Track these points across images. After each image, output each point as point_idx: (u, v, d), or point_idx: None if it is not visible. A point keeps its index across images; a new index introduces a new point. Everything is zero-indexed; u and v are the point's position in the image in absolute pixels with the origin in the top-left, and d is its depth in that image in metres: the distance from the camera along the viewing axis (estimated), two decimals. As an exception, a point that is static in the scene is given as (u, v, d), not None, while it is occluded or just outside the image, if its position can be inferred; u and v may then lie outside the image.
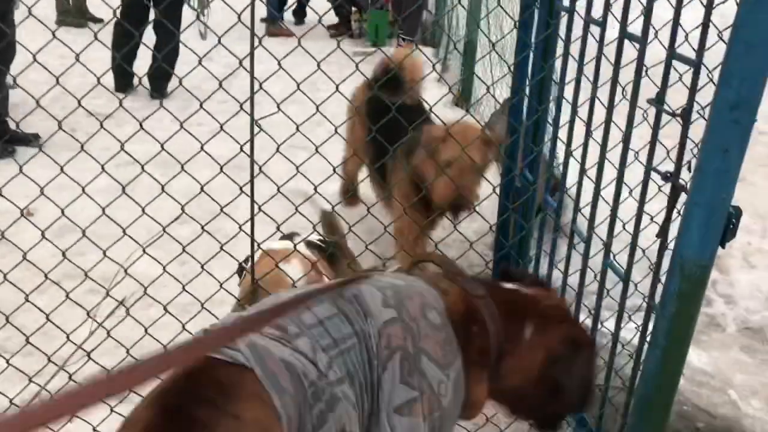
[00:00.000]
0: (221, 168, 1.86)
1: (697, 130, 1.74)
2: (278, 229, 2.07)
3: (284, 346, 1.32)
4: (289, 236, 2.44)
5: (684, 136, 1.87)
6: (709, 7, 1.74)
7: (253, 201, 1.85)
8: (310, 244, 2.45)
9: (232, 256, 2.04)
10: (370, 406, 1.40)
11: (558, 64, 2.50)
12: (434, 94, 4.25)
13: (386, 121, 2.31)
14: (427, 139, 3.04)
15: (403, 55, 3.70)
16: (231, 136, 1.83)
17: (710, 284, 3.52)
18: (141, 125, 1.77)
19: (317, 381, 1.30)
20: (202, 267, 2.00)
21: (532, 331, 1.62)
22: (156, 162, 2.07)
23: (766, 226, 4.13)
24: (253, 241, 1.94)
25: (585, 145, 2.22)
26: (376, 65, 3.68)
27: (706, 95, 1.74)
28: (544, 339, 1.63)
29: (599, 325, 2.34)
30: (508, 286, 1.73)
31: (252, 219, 1.87)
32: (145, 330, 2.04)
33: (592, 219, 2.19)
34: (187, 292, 2.04)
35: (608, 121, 2.08)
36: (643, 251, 2.23)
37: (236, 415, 1.18)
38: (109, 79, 5.58)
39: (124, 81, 5.72)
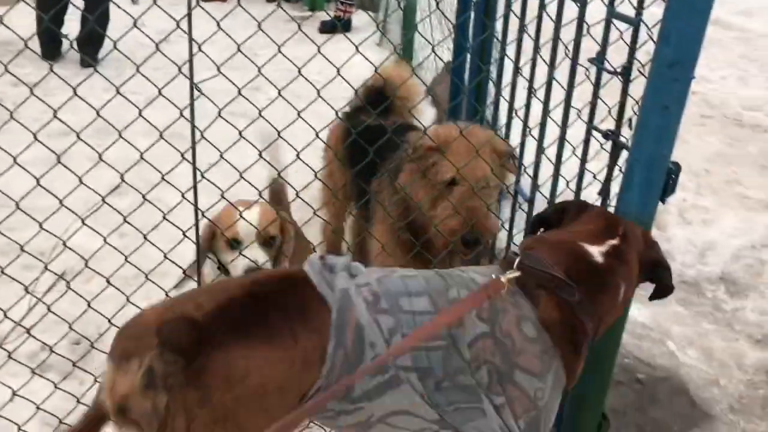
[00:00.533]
0: (161, 134, 1.80)
1: (638, 88, 1.77)
2: (222, 196, 2.03)
3: (369, 312, 1.45)
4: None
5: (624, 94, 1.90)
6: (647, -34, 1.75)
7: (195, 168, 1.80)
8: None
9: (175, 225, 1.99)
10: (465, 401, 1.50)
11: (499, 24, 2.50)
12: (374, 59, 4.18)
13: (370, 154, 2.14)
14: (416, 148, 2.36)
15: (394, 71, 2.94)
16: (171, 102, 1.77)
17: (648, 240, 3.64)
18: (75, 92, 1.69)
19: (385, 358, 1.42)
20: (145, 237, 1.95)
21: (624, 289, 1.67)
22: (91, 131, 1.99)
23: (699, 183, 4.27)
24: (196, 209, 1.89)
25: (527, 105, 2.23)
26: (361, 88, 2.90)
27: (646, 53, 1.76)
28: (630, 281, 1.69)
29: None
30: (575, 243, 1.68)
31: (195, 186, 1.82)
32: (88, 304, 1.98)
33: (535, 178, 2.21)
34: (129, 263, 1.99)
35: (550, 80, 2.09)
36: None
37: (295, 335, 1.37)
38: (35, 47, 5.34)
39: (52, 47, 5.47)
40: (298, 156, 1.91)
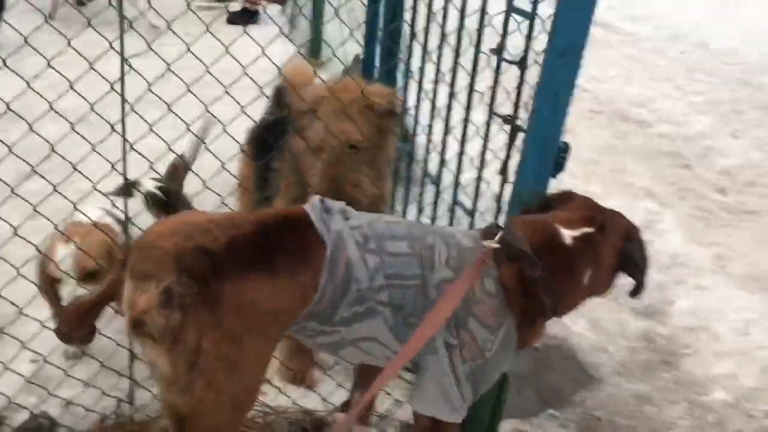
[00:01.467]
0: (72, 126, 1.82)
1: (534, 76, 1.97)
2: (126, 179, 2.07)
3: (359, 251, 1.64)
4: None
5: (521, 81, 2.10)
6: (541, -36, 1.96)
7: (124, 139, 1.86)
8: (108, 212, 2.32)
9: (84, 214, 2.02)
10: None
11: (408, 16, 2.67)
12: (283, 51, 4.19)
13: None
14: (296, 112, 2.22)
15: (295, 71, 2.67)
16: (105, 75, 1.80)
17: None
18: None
19: (365, 291, 1.63)
20: (55, 226, 1.97)
21: (589, 274, 1.79)
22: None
23: (588, 171, 4.61)
24: (126, 179, 1.95)
25: (435, 90, 2.40)
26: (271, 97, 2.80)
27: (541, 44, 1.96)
28: (599, 269, 1.80)
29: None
30: (549, 225, 1.81)
31: (124, 157, 1.88)
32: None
33: (442, 157, 2.39)
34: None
35: (455, 67, 2.27)
36: (488, 184, 2.46)
37: (295, 271, 1.57)
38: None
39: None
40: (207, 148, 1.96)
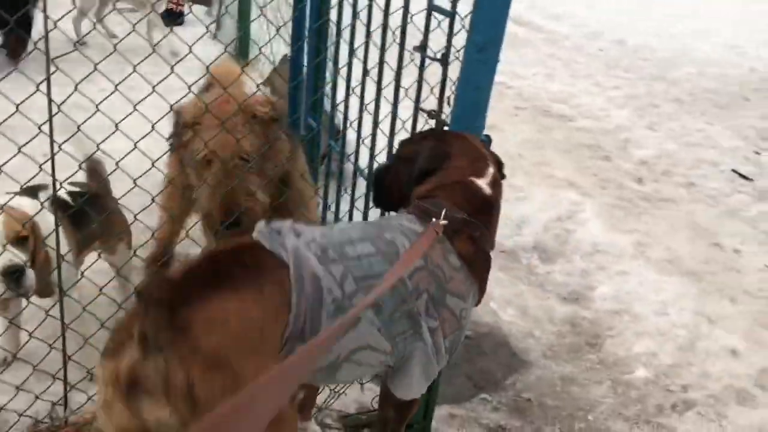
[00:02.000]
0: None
1: (455, 71, 2.05)
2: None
3: (320, 263, 1.63)
4: (36, 188, 2.34)
5: (444, 76, 2.18)
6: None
7: (52, 139, 1.85)
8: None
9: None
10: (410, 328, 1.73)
11: (334, 14, 2.71)
12: (209, 53, 4.14)
13: None
14: (181, 126, 2.23)
15: (223, 70, 2.55)
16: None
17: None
18: None
19: (341, 300, 1.61)
20: None
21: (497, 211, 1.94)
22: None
23: (513, 165, 4.75)
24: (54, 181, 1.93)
25: (362, 85, 2.46)
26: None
27: (461, 41, 2.04)
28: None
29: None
30: (470, 185, 1.89)
31: (52, 159, 1.86)
32: None
33: (372, 151, 2.45)
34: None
35: (381, 62, 2.33)
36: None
37: (260, 286, 1.52)
38: None
39: None
40: (135, 146, 1.95)
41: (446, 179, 1.90)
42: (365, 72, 2.45)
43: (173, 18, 6.91)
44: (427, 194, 1.89)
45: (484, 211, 1.89)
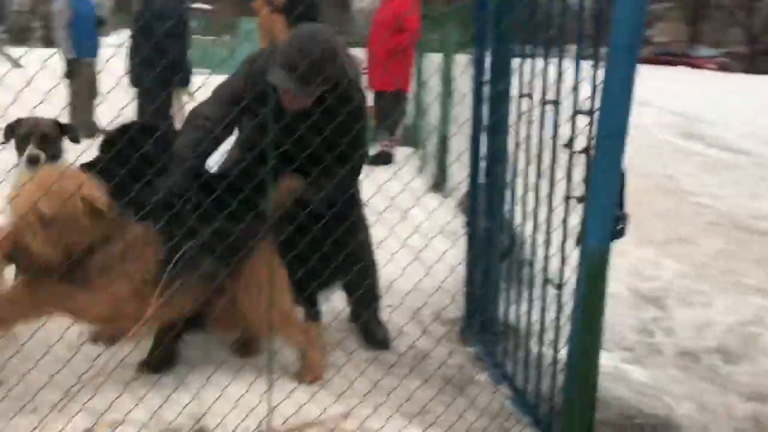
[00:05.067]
0: None
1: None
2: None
3: None
4: None
5: (588, 165, 2.55)
6: None
7: None
8: None
9: None
10: None
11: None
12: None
13: None
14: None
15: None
16: None
17: (652, 320, 4.14)
18: None
19: None
20: None
21: None
22: None
23: (699, 273, 4.79)
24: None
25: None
26: None
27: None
28: None
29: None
30: None
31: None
32: None
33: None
34: None
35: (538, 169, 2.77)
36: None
37: None
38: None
39: None
40: None
41: None
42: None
43: (385, 159, 7.81)
44: None
45: None
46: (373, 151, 7.92)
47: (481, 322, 3.61)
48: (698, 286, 4.39)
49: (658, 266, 4.78)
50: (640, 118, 7.75)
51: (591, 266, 2.41)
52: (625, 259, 4.74)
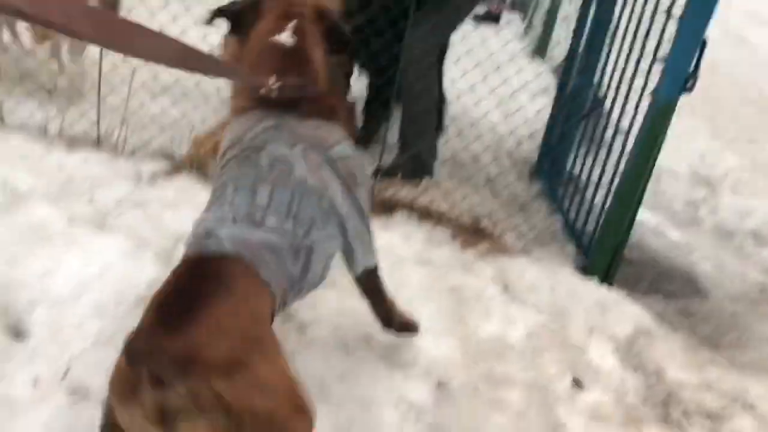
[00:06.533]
0: None
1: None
2: None
3: (257, 228, 1.71)
4: None
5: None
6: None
7: None
8: None
9: None
10: (338, 224, 1.92)
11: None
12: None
13: None
14: None
15: None
16: None
17: (701, 199, 4.58)
18: None
19: (293, 241, 1.74)
20: None
21: (319, 54, 2.07)
22: None
23: (756, 169, 5.14)
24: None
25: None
26: None
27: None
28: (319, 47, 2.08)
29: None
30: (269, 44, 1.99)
31: None
32: None
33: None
34: None
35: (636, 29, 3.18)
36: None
37: (228, 284, 1.56)
38: None
39: None
40: None
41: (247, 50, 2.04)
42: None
43: (492, 18, 8.07)
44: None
45: (295, 66, 1.95)
46: (481, 10, 8.16)
47: (551, 165, 4.16)
48: (752, 179, 4.79)
49: (721, 157, 5.17)
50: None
51: (656, 114, 2.89)
52: (693, 144, 5.16)
